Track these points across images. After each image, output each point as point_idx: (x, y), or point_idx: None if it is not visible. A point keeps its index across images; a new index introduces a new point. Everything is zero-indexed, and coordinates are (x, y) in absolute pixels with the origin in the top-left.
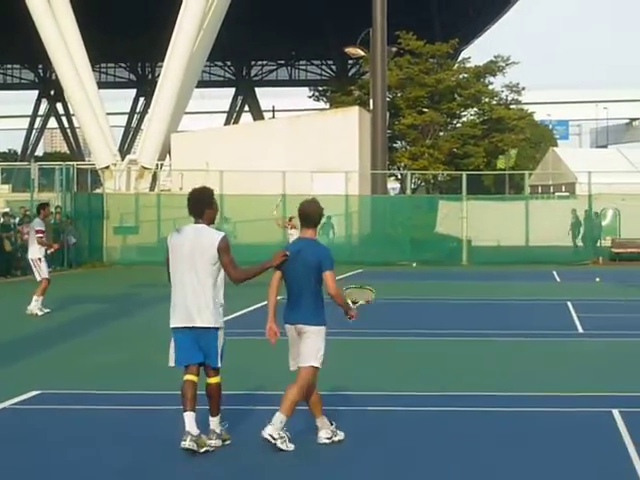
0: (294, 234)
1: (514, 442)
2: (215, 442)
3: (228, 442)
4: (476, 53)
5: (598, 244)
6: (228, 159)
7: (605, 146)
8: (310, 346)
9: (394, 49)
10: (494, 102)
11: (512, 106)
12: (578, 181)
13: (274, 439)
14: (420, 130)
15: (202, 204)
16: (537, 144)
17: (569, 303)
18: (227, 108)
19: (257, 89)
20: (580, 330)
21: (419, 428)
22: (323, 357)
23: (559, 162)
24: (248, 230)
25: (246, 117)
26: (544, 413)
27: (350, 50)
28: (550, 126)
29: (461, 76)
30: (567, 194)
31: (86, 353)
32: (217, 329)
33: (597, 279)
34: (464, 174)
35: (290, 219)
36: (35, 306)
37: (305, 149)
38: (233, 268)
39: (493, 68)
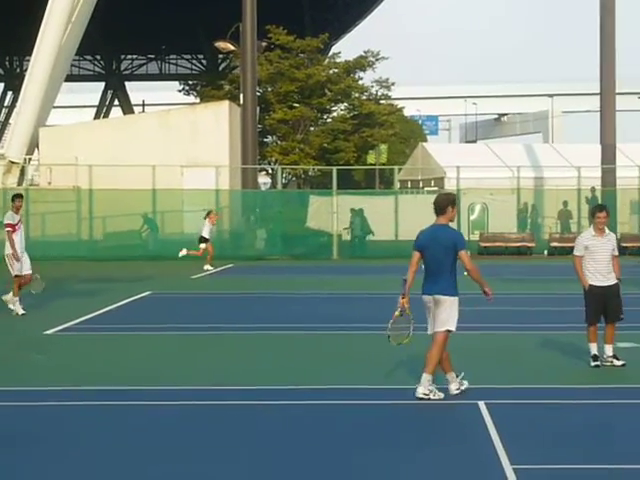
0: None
1: (382, 433)
2: None
3: None
4: (346, 48)
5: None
6: (98, 153)
7: (474, 141)
8: (447, 313)
9: (264, 44)
10: (364, 97)
11: (382, 101)
12: (447, 176)
13: (426, 395)
14: (291, 125)
15: None
16: (407, 139)
17: None
18: (97, 102)
19: (127, 83)
20: None
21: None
22: (456, 322)
23: (428, 157)
24: (118, 224)
25: (116, 111)
26: (410, 406)
27: (220, 44)
28: (420, 121)
29: (331, 71)
30: (436, 189)
31: None
32: None
33: (465, 273)
34: (334, 169)
35: (209, 213)
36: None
37: (175, 143)
38: None
39: (363, 63)
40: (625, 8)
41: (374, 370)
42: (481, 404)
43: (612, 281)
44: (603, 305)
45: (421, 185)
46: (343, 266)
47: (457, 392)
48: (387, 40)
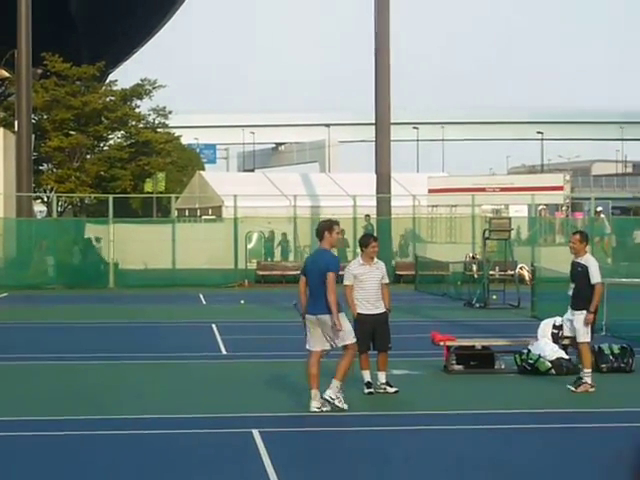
0: None
1: (157, 464)
2: None
3: None
4: (124, 76)
5: (244, 267)
6: None
7: (252, 170)
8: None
9: (40, 71)
10: (141, 125)
11: (159, 129)
12: (225, 205)
13: (332, 399)
14: (67, 153)
15: None
16: (184, 168)
17: (214, 325)
18: None
19: None
20: (224, 352)
21: (61, 453)
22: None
23: (206, 186)
24: None
25: None
26: (185, 435)
27: None
28: (197, 150)
29: (108, 99)
30: (214, 217)
31: None
32: None
33: (242, 301)
34: (111, 197)
35: None
36: None
37: None
38: None
39: (140, 91)
40: (402, 36)
41: (155, 400)
42: (255, 432)
43: (381, 309)
44: (371, 333)
45: (199, 214)
46: (119, 295)
47: (317, 410)
48: (166, 69)
